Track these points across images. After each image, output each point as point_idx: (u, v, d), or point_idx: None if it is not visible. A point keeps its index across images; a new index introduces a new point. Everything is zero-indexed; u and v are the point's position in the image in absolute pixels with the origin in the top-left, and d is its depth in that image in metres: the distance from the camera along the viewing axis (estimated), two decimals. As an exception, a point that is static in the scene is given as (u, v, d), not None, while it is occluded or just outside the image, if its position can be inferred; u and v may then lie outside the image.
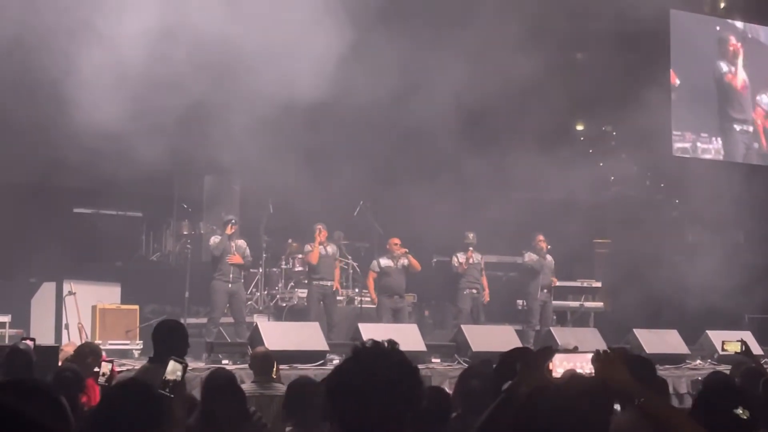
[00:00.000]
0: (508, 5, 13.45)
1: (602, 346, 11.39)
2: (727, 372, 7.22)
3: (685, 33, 17.96)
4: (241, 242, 12.64)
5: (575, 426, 2.57)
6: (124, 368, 8.08)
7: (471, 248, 13.62)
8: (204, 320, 12.65)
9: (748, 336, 9.91)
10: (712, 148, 18.06)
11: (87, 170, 11.69)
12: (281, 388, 6.69)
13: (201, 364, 10.06)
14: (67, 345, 9.51)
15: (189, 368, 4.76)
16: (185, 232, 14.97)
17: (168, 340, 5.52)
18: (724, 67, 18.18)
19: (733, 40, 18.35)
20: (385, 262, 13.14)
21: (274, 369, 7.61)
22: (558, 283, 14.38)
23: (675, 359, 12.13)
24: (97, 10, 10.72)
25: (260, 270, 13.97)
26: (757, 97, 18.52)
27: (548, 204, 15.54)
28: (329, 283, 12.94)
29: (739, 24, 18.63)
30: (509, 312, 14.55)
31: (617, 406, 3.64)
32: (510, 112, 14.44)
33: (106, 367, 5.55)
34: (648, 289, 14.72)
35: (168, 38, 10.69)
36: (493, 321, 13.88)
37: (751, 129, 18.43)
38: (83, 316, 12.14)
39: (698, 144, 17.91)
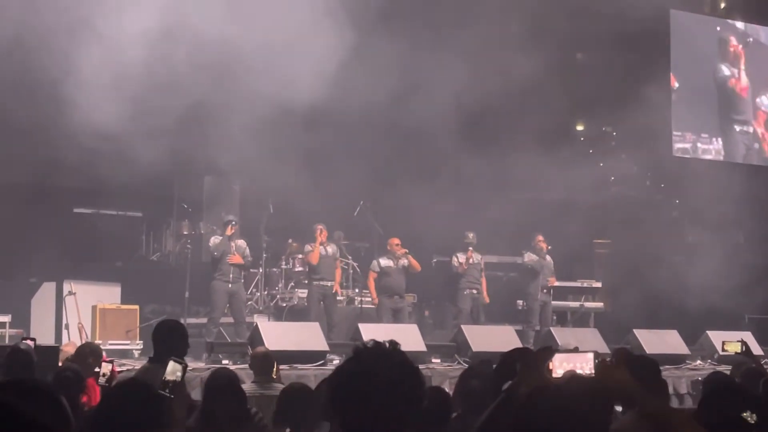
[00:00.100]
0: (508, 5, 13.45)
1: (602, 346, 11.44)
2: (728, 372, 7.22)
3: (685, 33, 17.95)
4: (241, 242, 12.65)
5: (575, 426, 2.57)
6: (124, 368, 8.08)
7: (471, 248, 13.60)
8: (204, 320, 12.65)
9: (748, 336, 9.89)
10: (712, 149, 18.06)
11: (87, 170, 11.68)
12: (281, 389, 6.69)
13: (201, 364, 10.06)
14: (67, 345, 9.53)
15: (189, 368, 4.76)
16: (185, 232, 14.96)
17: (168, 340, 5.52)
18: (726, 70, 18.16)
19: (733, 40, 18.34)
20: (385, 262, 13.13)
21: (274, 369, 7.62)
22: (558, 284, 14.36)
23: (675, 359, 12.13)
24: (97, 10, 10.73)
25: (260, 270, 13.96)
26: (758, 99, 18.51)
27: (548, 204, 15.53)
28: (329, 284, 12.94)
29: (739, 24, 18.63)
30: (509, 312, 14.54)
31: (618, 408, 3.64)
32: (510, 112, 14.43)
33: (106, 368, 5.56)
34: (648, 289, 14.73)
35: (168, 38, 10.69)
36: (493, 321, 13.88)
37: (751, 130, 18.43)
38: (83, 316, 12.15)
39: (698, 144, 17.91)
